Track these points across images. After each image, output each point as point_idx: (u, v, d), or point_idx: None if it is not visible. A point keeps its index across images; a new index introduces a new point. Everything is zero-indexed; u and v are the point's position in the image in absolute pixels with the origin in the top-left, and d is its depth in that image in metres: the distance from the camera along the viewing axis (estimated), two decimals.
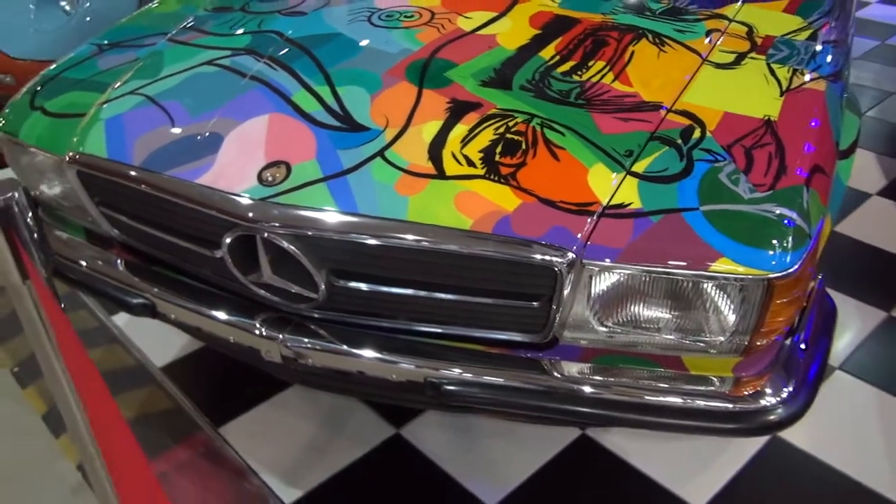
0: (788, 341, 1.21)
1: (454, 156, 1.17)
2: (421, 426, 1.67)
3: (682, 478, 1.54)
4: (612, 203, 1.09)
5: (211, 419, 1.72)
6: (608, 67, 1.33)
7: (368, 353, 1.20)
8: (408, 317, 1.21)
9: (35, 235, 0.89)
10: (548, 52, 1.38)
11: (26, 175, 1.50)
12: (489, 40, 1.41)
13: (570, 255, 1.06)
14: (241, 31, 1.54)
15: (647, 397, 1.14)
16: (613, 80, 1.30)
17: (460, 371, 1.17)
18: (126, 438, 1.03)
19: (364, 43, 1.43)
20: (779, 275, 1.03)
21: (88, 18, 2.84)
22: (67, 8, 2.86)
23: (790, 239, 1.05)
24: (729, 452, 1.59)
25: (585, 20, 1.48)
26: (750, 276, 1.02)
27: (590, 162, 1.14)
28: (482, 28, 1.45)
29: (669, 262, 1.04)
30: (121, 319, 2.05)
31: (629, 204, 1.09)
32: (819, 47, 1.42)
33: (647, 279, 1.07)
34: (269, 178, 1.18)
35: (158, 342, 1.95)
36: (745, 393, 1.14)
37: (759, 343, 1.11)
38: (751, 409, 1.13)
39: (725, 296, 1.07)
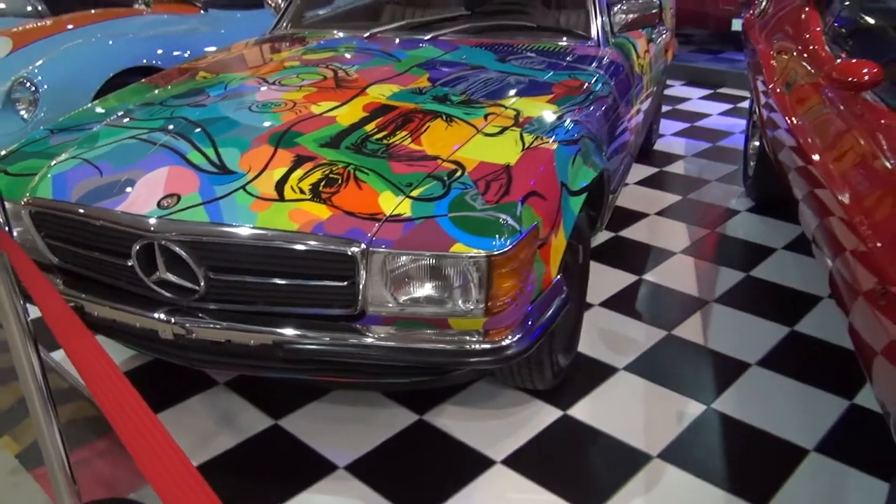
0: (526, 310, 1.76)
1: (292, 188, 1.74)
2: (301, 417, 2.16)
3: (489, 442, 2.04)
4: (392, 214, 1.67)
5: None
6: (409, 135, 1.95)
7: (233, 325, 1.71)
8: (261, 300, 1.73)
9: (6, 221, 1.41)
10: (370, 126, 1.99)
11: None
12: (330, 119, 2.02)
13: (363, 245, 1.62)
14: (158, 117, 2.13)
15: (428, 344, 1.67)
16: (410, 142, 1.91)
17: (298, 333, 1.69)
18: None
19: (242, 121, 2.03)
20: (495, 253, 1.60)
21: (41, 126, 3.42)
22: (25, 116, 3.44)
23: (503, 231, 1.62)
24: (528, 424, 2.11)
25: (402, 107, 2.12)
26: (474, 254, 1.59)
27: (381, 190, 1.72)
28: (327, 112, 2.07)
29: (423, 248, 1.61)
30: (58, 355, 2.51)
31: (403, 214, 1.66)
32: (559, 126, 2.06)
33: (413, 261, 1.63)
34: (165, 204, 1.73)
35: None
36: (493, 339, 1.67)
37: (494, 307, 1.66)
38: (493, 347, 1.66)
39: (463, 272, 1.62)
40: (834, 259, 1.82)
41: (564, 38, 2.79)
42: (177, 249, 1.69)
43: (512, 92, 2.25)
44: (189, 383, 2.33)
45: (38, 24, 4.26)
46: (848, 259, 1.70)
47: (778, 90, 2.72)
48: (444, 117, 2.06)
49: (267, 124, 2.01)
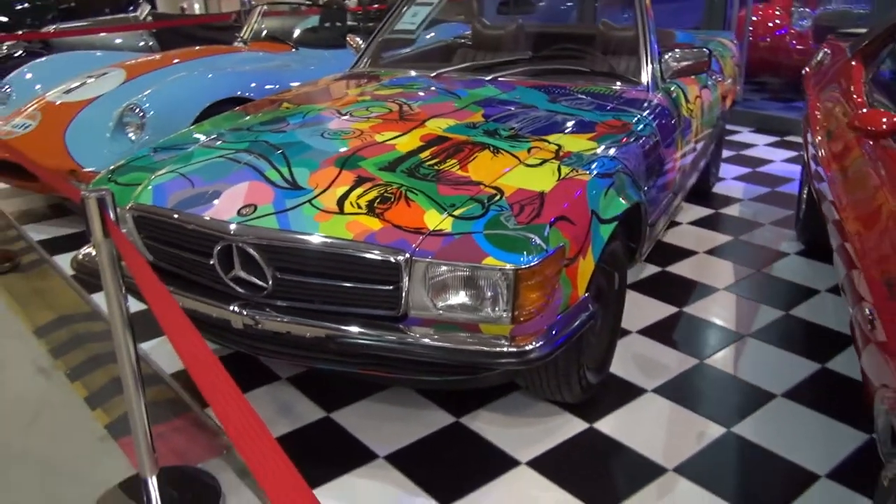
0: (551, 321, 1.96)
1: (351, 203, 2.01)
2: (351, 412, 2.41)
3: (517, 445, 2.23)
4: (435, 229, 1.91)
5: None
6: (458, 163, 2.20)
7: (294, 318, 1.98)
8: (319, 299, 2.00)
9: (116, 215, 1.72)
10: (424, 154, 2.26)
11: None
12: (390, 147, 2.30)
13: (407, 254, 1.87)
14: (244, 140, 2.45)
15: (461, 345, 1.89)
16: (458, 169, 2.16)
17: (348, 329, 1.94)
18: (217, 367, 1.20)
19: (315, 146, 2.33)
20: (522, 267, 1.81)
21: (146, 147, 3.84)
22: (133, 137, 3.87)
23: (531, 249, 1.84)
24: (555, 432, 2.29)
25: (455, 138, 2.38)
26: (504, 267, 1.81)
27: (427, 208, 1.97)
28: (389, 140, 2.35)
29: (459, 259, 1.84)
30: (145, 345, 2.84)
31: (444, 230, 1.91)
32: (596, 160, 2.27)
33: (450, 271, 1.86)
34: (244, 212, 2.03)
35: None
36: (518, 343, 1.88)
37: (520, 315, 1.87)
38: (518, 350, 1.86)
39: (493, 283, 1.84)
40: (852, 307, 1.95)
41: (616, 83, 3.00)
42: (251, 251, 1.98)
43: (557, 129, 2.48)
44: (256, 376, 2.61)
45: (149, 58, 4.76)
46: (863, 308, 1.81)
47: (819, 140, 2.86)
48: (491, 149, 2.30)
49: (335, 149, 2.30)
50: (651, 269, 3.45)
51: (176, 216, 2.11)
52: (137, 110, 3.81)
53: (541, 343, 1.89)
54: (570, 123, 2.53)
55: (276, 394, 2.52)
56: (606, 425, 2.34)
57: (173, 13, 10.39)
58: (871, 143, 2.17)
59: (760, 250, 3.68)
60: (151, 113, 3.81)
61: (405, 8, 3.56)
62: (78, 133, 3.88)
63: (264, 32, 5.55)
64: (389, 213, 1.96)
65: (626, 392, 2.51)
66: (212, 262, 2.06)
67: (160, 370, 2.69)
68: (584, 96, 2.84)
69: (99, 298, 3.22)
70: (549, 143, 2.37)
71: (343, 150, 2.29)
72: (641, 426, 2.33)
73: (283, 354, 2.08)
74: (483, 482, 2.10)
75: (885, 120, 2.03)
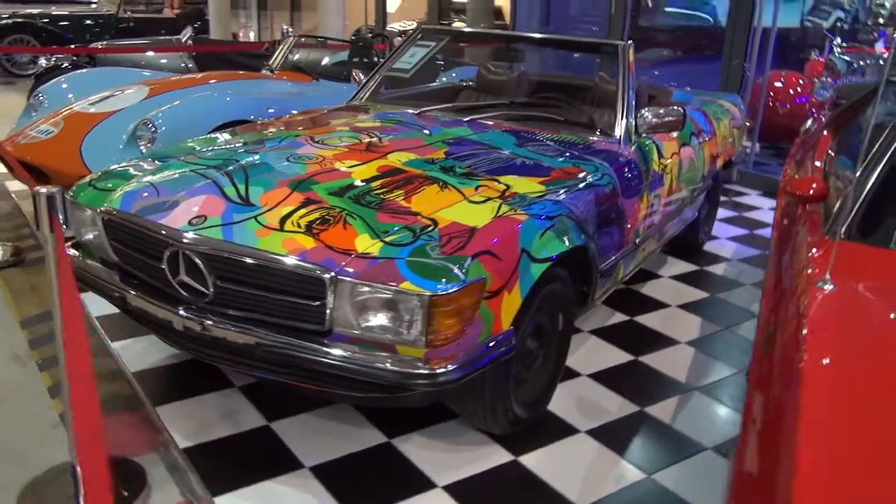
0: (468, 349, 2.04)
1: (293, 222, 2.14)
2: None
3: (439, 469, 2.31)
4: (362, 252, 2.03)
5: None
6: (404, 193, 2.32)
7: (227, 324, 2.11)
8: (254, 309, 2.12)
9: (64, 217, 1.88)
10: (376, 184, 2.38)
11: (77, 224, 2.53)
12: (346, 174, 2.43)
13: (332, 273, 1.98)
14: (221, 158, 2.62)
15: (378, 363, 1.98)
16: (402, 200, 2.28)
17: (275, 338, 2.06)
18: (85, 358, 1.78)
19: (277, 168, 2.47)
20: (436, 294, 1.91)
21: None
22: (143, 150, 4.09)
23: (448, 278, 1.94)
24: (479, 461, 2.35)
25: (410, 172, 2.50)
26: (419, 292, 1.91)
27: (361, 232, 2.09)
28: (347, 168, 2.49)
29: (378, 281, 1.95)
30: (118, 345, 3.00)
31: (371, 254, 2.02)
32: (539, 202, 2.37)
33: (371, 292, 1.97)
34: (194, 222, 2.17)
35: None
36: (431, 366, 1.97)
37: (435, 340, 1.96)
38: (429, 373, 1.95)
39: (410, 307, 1.94)
40: None
41: (591, 135, 3.11)
42: (195, 259, 2.12)
43: (512, 171, 2.59)
44: (211, 382, 2.74)
45: (174, 78, 5.03)
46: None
47: (781, 205, 2.91)
48: (440, 184, 2.42)
49: (294, 172, 2.44)
50: (619, 317, 3.51)
51: (135, 220, 2.27)
52: (150, 125, 4.02)
53: (453, 368, 1.97)
54: (526, 166, 2.63)
55: (225, 400, 2.64)
56: (530, 459, 2.40)
57: (221, 39, 10.85)
58: (800, 208, 2.23)
59: (733, 309, 3.71)
60: (163, 128, 4.03)
61: (406, 48, 3.73)
62: (94, 142, 4.11)
63: (293, 60, 5.79)
64: (325, 234, 2.08)
65: (558, 430, 2.56)
66: (162, 266, 2.20)
67: (124, 367, 2.83)
68: (551, 143, 2.95)
69: (86, 297, 3.39)
70: (499, 182, 2.47)
71: (301, 173, 2.43)
72: (564, 464, 2.38)
73: (218, 359, 2.20)
74: (395, 500, 2.17)
75: (814, 186, 2.10)
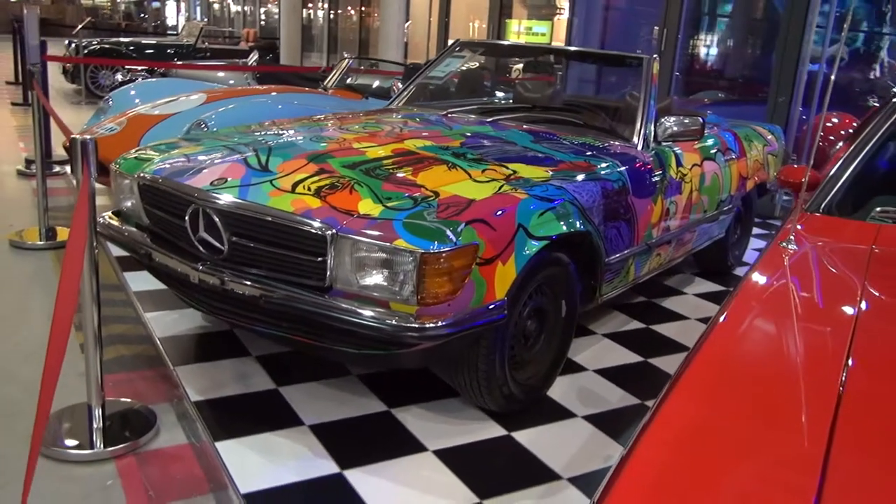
0: (459, 311, 2.11)
1: (304, 187, 2.28)
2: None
3: (431, 436, 2.37)
4: (363, 213, 2.14)
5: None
6: (412, 170, 2.44)
7: (235, 277, 2.24)
8: (264, 265, 2.25)
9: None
10: (387, 161, 2.51)
11: (118, 191, 2.73)
12: (361, 152, 2.57)
13: (333, 230, 2.10)
14: (253, 138, 2.80)
15: (373, 316, 2.08)
16: (409, 174, 2.40)
17: (278, 290, 2.18)
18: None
19: (300, 145, 2.63)
20: (428, 252, 2.01)
21: None
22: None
23: (441, 239, 2.04)
24: (472, 433, 2.40)
25: (422, 154, 2.62)
26: (411, 249, 2.01)
27: (365, 197, 2.21)
28: (363, 148, 2.62)
29: (375, 238, 2.06)
30: (151, 315, 3.18)
31: (371, 215, 2.13)
32: (542, 185, 2.45)
33: (368, 249, 2.08)
34: (215, 183, 2.33)
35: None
36: (422, 321, 2.05)
37: (426, 298, 2.05)
38: (419, 327, 2.02)
39: (403, 265, 2.04)
40: None
41: (610, 139, 3.19)
42: (213, 216, 2.27)
43: (521, 160, 2.68)
44: (228, 348, 2.88)
45: (240, 87, 5.32)
46: None
47: None
48: (448, 164, 2.53)
49: (314, 148, 2.59)
50: (635, 325, 3.52)
51: (165, 182, 2.44)
52: (203, 125, 4.27)
53: (441, 324, 2.05)
54: (536, 158, 2.72)
55: (240, 365, 2.77)
56: (523, 436, 2.44)
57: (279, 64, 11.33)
58: (795, 197, 2.25)
59: None
60: (215, 129, 4.27)
61: (443, 59, 3.90)
62: (152, 140, 4.38)
63: (347, 83, 6.05)
64: (331, 197, 2.21)
65: (555, 413, 2.60)
66: (184, 225, 2.37)
67: (151, 332, 3.00)
68: (568, 143, 3.03)
69: (128, 275, 3.60)
70: (507, 168, 2.57)
71: (320, 149, 2.58)
72: (556, 440, 2.41)
73: (226, 312, 2.33)
74: (386, 458, 2.24)
75: (807, 174, 2.13)
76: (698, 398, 1.09)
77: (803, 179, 2.14)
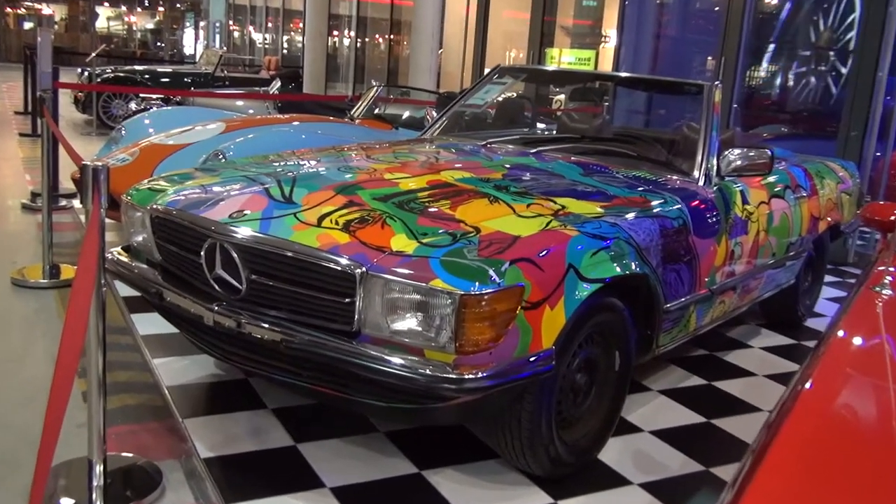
0: (501, 362, 2.05)
1: (331, 220, 2.25)
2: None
3: (468, 502, 2.29)
4: (396, 251, 2.11)
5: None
6: (450, 203, 2.40)
7: (257, 322, 2.21)
8: (284, 306, 2.22)
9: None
10: (423, 193, 2.48)
11: (130, 225, 2.73)
12: (394, 183, 2.55)
13: (363, 268, 2.07)
14: (274, 168, 2.80)
15: (404, 366, 2.02)
16: (447, 208, 2.37)
17: (300, 334, 2.14)
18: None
19: (327, 175, 2.62)
20: (468, 294, 1.96)
21: None
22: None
23: (482, 279, 1.99)
24: (512, 501, 2.32)
25: (461, 186, 2.59)
26: (449, 290, 1.96)
27: (398, 232, 2.18)
28: (396, 179, 2.60)
29: (410, 277, 2.01)
30: (158, 361, 3.15)
31: (405, 252, 2.09)
32: (594, 222, 2.40)
33: (401, 290, 2.03)
34: (234, 215, 2.32)
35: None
36: (460, 372, 1.98)
37: (465, 346, 1.99)
38: (457, 378, 1.96)
39: (440, 307, 1.99)
40: None
41: (667, 173, 3.14)
42: (231, 251, 2.25)
43: (570, 194, 2.64)
44: (242, 400, 2.84)
45: (260, 116, 5.38)
46: None
47: None
48: (490, 198, 2.49)
49: (342, 179, 2.58)
50: (695, 380, 3.42)
51: (179, 215, 2.44)
52: (221, 156, 4.31)
53: (482, 376, 1.99)
54: (587, 192, 2.68)
55: (255, 419, 2.72)
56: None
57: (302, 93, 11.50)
58: (882, 238, 2.18)
59: None
60: (234, 160, 4.30)
61: (482, 85, 3.90)
62: (165, 171, 4.41)
63: (375, 112, 6.09)
64: (361, 232, 2.18)
65: (608, 480, 2.51)
66: (199, 261, 2.35)
67: (159, 380, 2.97)
68: (621, 176, 2.99)
69: (136, 318, 3.60)
70: (554, 203, 2.53)
71: (349, 179, 2.56)
72: None
73: (243, 359, 2.30)
74: None
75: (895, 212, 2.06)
76: (790, 479, 1.01)
77: (893, 217, 2.06)
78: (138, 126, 5.39)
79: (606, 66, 8.85)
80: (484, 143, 3.43)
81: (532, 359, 2.11)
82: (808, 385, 1.29)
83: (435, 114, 4.12)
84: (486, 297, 1.96)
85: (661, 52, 9.35)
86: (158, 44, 32.80)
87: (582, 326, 2.31)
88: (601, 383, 2.55)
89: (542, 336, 2.13)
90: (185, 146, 4.64)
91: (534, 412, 2.23)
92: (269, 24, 20.36)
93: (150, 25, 35.51)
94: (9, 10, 29.39)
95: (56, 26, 30.38)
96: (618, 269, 2.36)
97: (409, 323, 2.03)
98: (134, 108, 7.17)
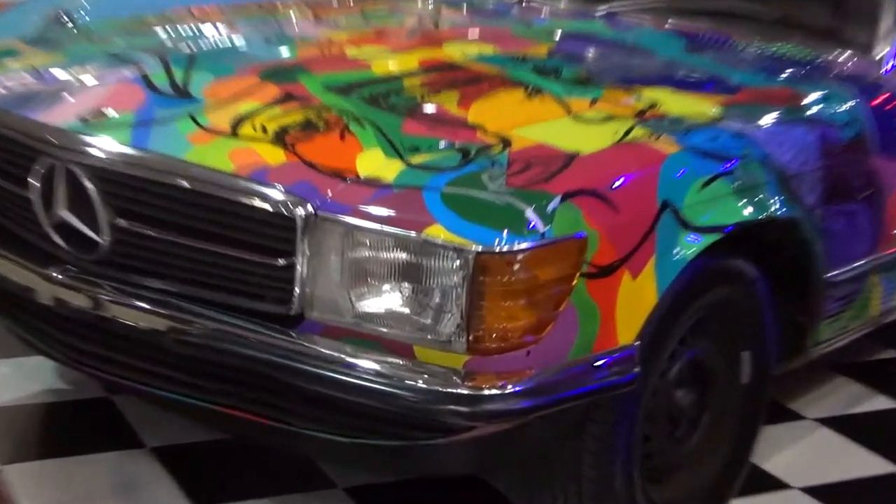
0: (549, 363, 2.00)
1: (253, 125, 2.19)
2: None
3: None
4: (366, 177, 2.05)
5: None
6: (459, 97, 2.35)
7: (126, 297, 2.17)
8: (175, 274, 2.18)
9: None
10: (410, 81, 2.43)
11: None
12: (361, 64, 2.50)
13: (309, 207, 2.01)
14: (157, 38, 2.75)
15: (381, 372, 1.96)
16: (454, 106, 2.31)
17: (203, 320, 2.10)
18: None
19: (248, 51, 2.58)
20: (490, 250, 1.90)
21: None
22: None
23: (512, 227, 1.93)
24: None
25: (477, 69, 2.54)
26: (458, 244, 1.91)
27: (369, 146, 2.12)
28: (364, 57, 2.56)
29: (388, 222, 1.96)
30: None
31: (381, 179, 2.03)
32: (707, 130, 2.35)
33: (374, 243, 1.98)
34: (89, 119, 2.27)
35: None
36: (475, 384, 1.91)
37: (485, 338, 1.94)
38: (470, 394, 1.89)
39: (442, 274, 1.93)
40: None
41: (829, 47, 3.08)
42: (83, 179, 2.21)
43: (664, 81, 2.58)
44: (106, 432, 2.86)
45: None
46: None
47: None
48: (528, 89, 2.44)
49: (274, 56, 2.54)
50: (880, 402, 3.42)
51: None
52: (66, 19, 4.28)
53: (512, 391, 1.94)
54: (693, 78, 2.63)
55: (124, 465, 2.74)
56: None
57: None
58: None
59: None
60: (88, 24, 4.26)
61: None
62: None
63: None
64: (305, 146, 2.13)
65: (758, 484, 2.65)
66: (29, 195, 2.30)
67: None
68: (753, 52, 2.94)
69: None
70: (639, 97, 2.47)
71: (284, 58, 2.52)
72: None
73: (102, 362, 2.28)
74: None
75: None
76: None
77: None
78: None
79: None
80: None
81: (600, 363, 2.06)
82: None
83: None
84: (520, 256, 1.91)
85: None
86: None
87: (686, 308, 2.27)
88: (718, 406, 2.53)
89: (618, 324, 2.08)
90: (5, 4, 4.63)
91: (602, 454, 2.20)
92: None
93: None
94: None
95: None
96: (747, 212, 2.31)
97: (387, 301, 1.98)
98: None
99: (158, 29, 2.86)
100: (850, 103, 2.73)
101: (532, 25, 2.95)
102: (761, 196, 2.35)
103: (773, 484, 2.86)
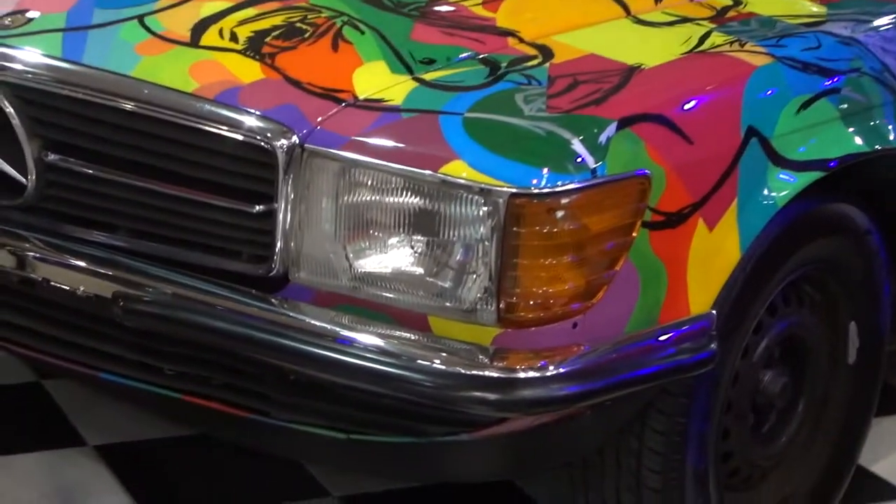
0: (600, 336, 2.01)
1: (221, 31, 2.20)
2: None
3: None
4: (367, 98, 2.06)
5: None
6: None
7: (60, 254, 2.18)
8: (122, 224, 2.19)
9: None
10: None
11: None
12: None
13: (294, 137, 2.02)
14: None
15: (385, 352, 1.96)
16: (479, 6, 2.32)
17: (160, 287, 2.11)
18: None
19: None
20: (526, 192, 1.91)
21: None
22: None
23: (553, 163, 1.94)
24: None
25: None
26: (485, 184, 1.92)
27: (371, 58, 2.13)
28: None
29: (395, 156, 1.97)
30: None
31: (386, 101, 2.04)
32: (805, 36, 2.35)
33: (376, 183, 1.99)
34: (7, 23, 2.28)
35: None
36: (507, 364, 1.91)
37: (520, 304, 1.95)
38: (502, 377, 1.89)
39: (465, 221, 1.94)
40: None
41: None
42: (2, 103, 2.21)
43: None
44: (35, 433, 2.91)
45: None
46: None
47: None
48: None
49: None
50: None
51: None
52: None
53: (555, 373, 1.95)
54: None
55: (65, 468, 2.76)
56: None
57: None
58: None
59: None
60: None
61: None
62: None
63: None
64: (286, 57, 2.13)
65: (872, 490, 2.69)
66: None
67: None
68: None
69: None
70: None
71: None
72: None
73: (29, 337, 2.30)
74: None
75: None
76: None
77: None
78: None
79: None
80: None
81: (666, 337, 2.08)
82: None
83: None
84: (565, 200, 1.91)
85: None
86: None
87: (776, 268, 2.28)
88: (817, 392, 2.54)
89: (690, 288, 2.10)
90: None
91: (669, 455, 2.22)
92: None
93: None
94: None
95: None
96: (858, 142, 2.32)
97: (394, 259, 2.00)
98: None
99: None
100: None
101: None
102: (876, 121, 2.36)
103: (886, 492, 2.87)
